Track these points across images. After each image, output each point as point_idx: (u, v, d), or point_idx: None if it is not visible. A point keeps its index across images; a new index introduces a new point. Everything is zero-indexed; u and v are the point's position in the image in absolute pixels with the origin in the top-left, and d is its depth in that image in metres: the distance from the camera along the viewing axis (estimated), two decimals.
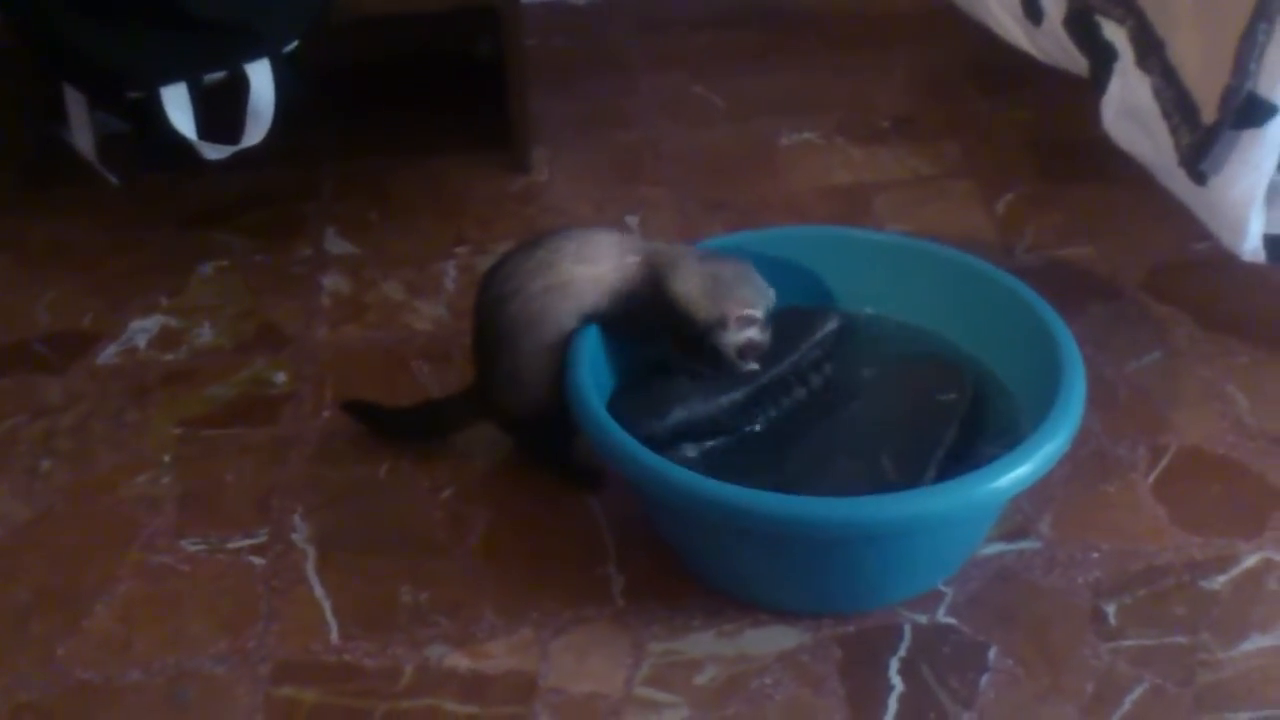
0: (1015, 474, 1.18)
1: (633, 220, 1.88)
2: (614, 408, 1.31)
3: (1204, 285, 1.70)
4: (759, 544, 1.25)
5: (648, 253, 1.39)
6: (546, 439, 1.44)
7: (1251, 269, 1.52)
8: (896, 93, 2.20)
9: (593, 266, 1.37)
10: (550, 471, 1.46)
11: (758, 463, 1.34)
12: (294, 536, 1.40)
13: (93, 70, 1.63)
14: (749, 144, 2.07)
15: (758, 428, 1.40)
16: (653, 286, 1.37)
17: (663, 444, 1.32)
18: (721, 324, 1.35)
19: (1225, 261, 1.53)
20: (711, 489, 1.19)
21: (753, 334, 1.36)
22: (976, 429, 1.38)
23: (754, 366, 1.38)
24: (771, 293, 1.38)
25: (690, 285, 1.36)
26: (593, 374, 1.34)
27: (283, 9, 1.67)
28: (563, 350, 1.36)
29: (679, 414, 1.35)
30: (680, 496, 1.22)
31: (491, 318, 1.39)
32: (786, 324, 1.42)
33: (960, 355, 1.46)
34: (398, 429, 1.52)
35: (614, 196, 1.94)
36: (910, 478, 1.30)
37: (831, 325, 1.46)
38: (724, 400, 1.39)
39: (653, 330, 1.39)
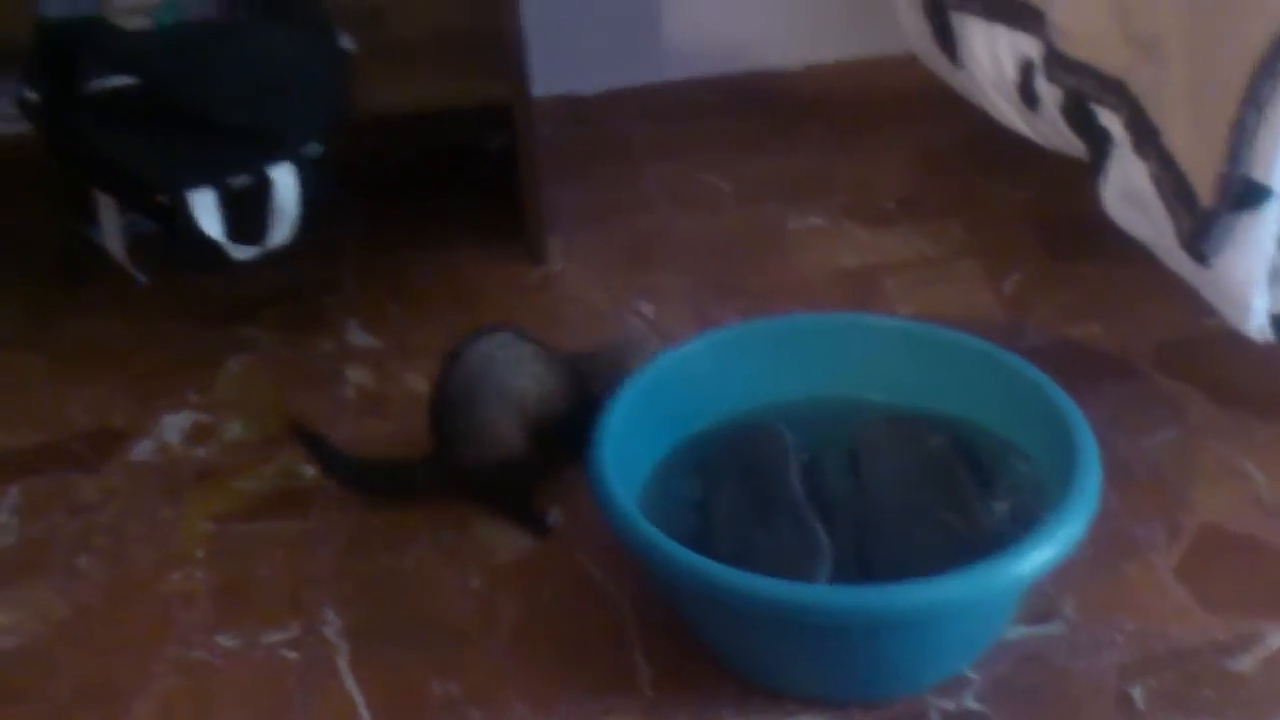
0: (1036, 559, 1.20)
1: (647, 308, 1.91)
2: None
3: (1216, 361, 1.71)
4: (785, 633, 1.26)
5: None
6: (508, 489, 1.54)
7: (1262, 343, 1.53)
8: (899, 174, 2.24)
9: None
10: (508, 519, 1.54)
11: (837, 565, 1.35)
12: (325, 630, 1.42)
13: (123, 177, 1.67)
14: (758, 229, 2.11)
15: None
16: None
17: None
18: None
19: (1235, 337, 1.54)
20: (737, 581, 1.21)
21: None
22: (978, 463, 1.44)
23: None
24: None
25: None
26: (619, 467, 1.35)
27: (304, 113, 1.72)
28: (513, 401, 1.51)
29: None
30: (705, 588, 1.24)
31: (445, 380, 1.53)
32: (756, 445, 1.48)
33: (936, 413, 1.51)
34: (351, 478, 1.60)
35: (627, 284, 1.98)
36: (975, 524, 1.35)
37: (789, 438, 1.49)
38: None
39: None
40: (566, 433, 1.51)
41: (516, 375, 1.53)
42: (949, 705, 1.30)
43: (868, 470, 1.46)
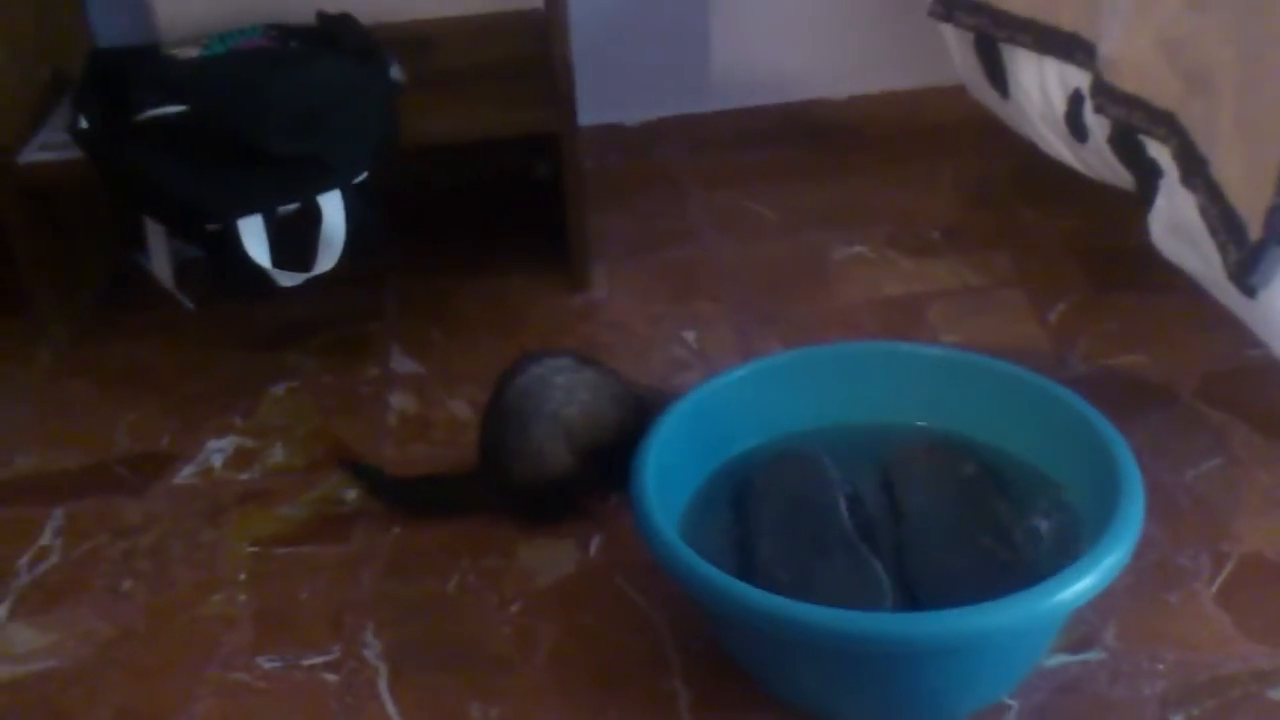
0: (1077, 587, 1.19)
1: (690, 335, 1.92)
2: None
3: (1260, 391, 1.71)
4: (825, 659, 1.26)
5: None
6: (553, 506, 1.58)
7: None
8: (944, 204, 2.24)
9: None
10: (549, 524, 1.58)
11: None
12: (366, 653, 1.43)
13: (173, 205, 1.70)
14: (801, 258, 2.11)
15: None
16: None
17: None
18: None
19: None
20: (777, 606, 1.20)
21: None
22: (1009, 489, 1.44)
23: None
24: None
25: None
26: (661, 498, 1.35)
27: (354, 143, 1.74)
28: (561, 426, 1.53)
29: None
30: (748, 614, 1.23)
31: (499, 397, 1.56)
32: (801, 474, 1.48)
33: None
34: (397, 496, 1.63)
35: (670, 312, 1.99)
36: (1013, 548, 1.35)
37: (833, 467, 1.49)
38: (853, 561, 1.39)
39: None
40: (611, 462, 1.51)
41: (567, 404, 1.54)
42: None
43: (904, 497, 1.46)
